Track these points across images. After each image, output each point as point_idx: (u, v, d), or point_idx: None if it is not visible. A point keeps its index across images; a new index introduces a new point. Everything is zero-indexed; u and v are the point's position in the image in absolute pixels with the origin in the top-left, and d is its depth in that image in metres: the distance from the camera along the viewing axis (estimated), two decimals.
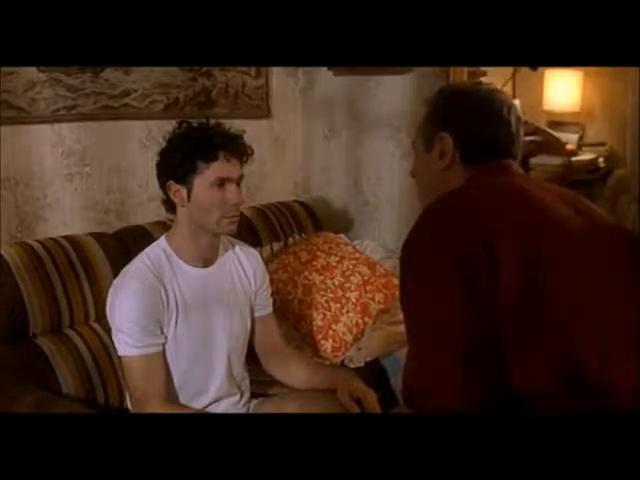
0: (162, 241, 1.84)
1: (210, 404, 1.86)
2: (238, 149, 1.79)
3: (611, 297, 1.21)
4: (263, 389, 2.16)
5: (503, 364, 1.15)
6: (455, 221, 1.22)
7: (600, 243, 1.27)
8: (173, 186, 1.77)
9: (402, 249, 1.25)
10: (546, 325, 1.15)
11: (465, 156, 1.36)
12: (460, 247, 1.18)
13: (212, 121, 1.82)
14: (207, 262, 1.86)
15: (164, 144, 1.81)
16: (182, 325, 1.79)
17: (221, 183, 1.75)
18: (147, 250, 1.83)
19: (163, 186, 1.80)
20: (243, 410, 1.95)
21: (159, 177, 1.81)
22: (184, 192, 1.76)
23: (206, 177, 1.74)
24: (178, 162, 1.75)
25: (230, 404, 1.90)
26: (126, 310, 1.73)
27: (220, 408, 1.88)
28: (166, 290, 1.77)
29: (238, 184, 1.80)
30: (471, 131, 1.37)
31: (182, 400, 1.82)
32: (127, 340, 1.72)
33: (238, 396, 1.93)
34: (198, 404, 1.84)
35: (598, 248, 1.26)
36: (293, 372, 1.99)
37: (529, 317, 1.15)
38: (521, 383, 1.15)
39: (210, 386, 1.86)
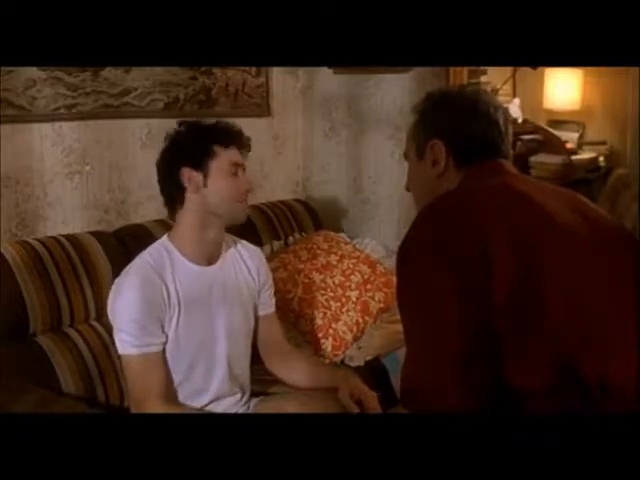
0: (164, 239, 1.85)
1: (210, 402, 1.86)
2: (243, 141, 1.86)
3: (607, 296, 1.21)
4: (263, 388, 2.16)
5: (500, 364, 1.15)
6: (450, 222, 1.23)
7: (596, 241, 1.27)
8: (187, 172, 1.78)
9: (398, 251, 1.26)
10: (542, 325, 1.15)
11: (458, 160, 1.37)
12: (455, 248, 1.18)
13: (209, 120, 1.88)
14: (210, 260, 1.87)
15: (166, 143, 1.83)
16: (184, 323, 1.79)
17: (234, 170, 1.80)
18: (149, 249, 1.83)
19: (171, 177, 1.80)
20: (244, 409, 1.95)
21: (166, 169, 1.82)
22: (200, 178, 1.78)
23: (221, 162, 1.79)
24: (194, 147, 1.79)
25: (230, 403, 1.90)
26: (127, 309, 1.73)
27: (220, 407, 1.88)
28: (168, 288, 1.77)
29: (244, 169, 1.85)
30: (461, 134, 1.37)
31: (182, 398, 1.83)
32: (127, 339, 1.72)
33: (239, 395, 1.93)
34: (198, 402, 1.84)
35: (594, 246, 1.26)
36: (295, 371, 2.00)
37: (525, 317, 1.15)
38: (518, 382, 1.15)
39: (210, 385, 1.86)
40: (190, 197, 1.80)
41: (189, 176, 1.78)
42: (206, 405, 1.86)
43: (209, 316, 1.84)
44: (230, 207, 1.81)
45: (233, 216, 1.84)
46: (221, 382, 1.87)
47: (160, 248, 1.82)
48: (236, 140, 1.83)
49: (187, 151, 1.79)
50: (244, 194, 1.83)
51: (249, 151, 1.89)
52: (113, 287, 1.79)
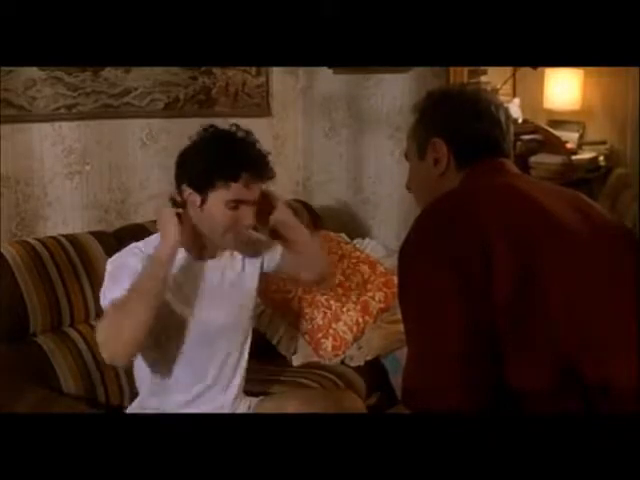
0: None
1: (194, 398, 1.85)
2: (261, 173, 1.75)
3: (608, 296, 1.21)
4: (263, 388, 2.17)
5: (501, 364, 1.15)
6: (450, 223, 1.22)
7: (598, 241, 1.26)
8: (187, 190, 1.74)
9: (400, 251, 1.25)
10: (543, 325, 1.15)
11: (459, 159, 1.35)
12: (456, 248, 1.18)
13: (241, 132, 1.77)
14: (212, 254, 1.86)
15: (178, 157, 1.78)
16: (171, 310, 1.78)
17: (234, 205, 1.73)
18: (139, 243, 1.82)
19: (178, 186, 1.77)
20: (244, 408, 1.95)
21: (176, 177, 1.79)
22: (197, 200, 1.73)
23: (222, 195, 1.71)
24: (197, 172, 1.72)
25: (217, 401, 1.89)
26: (111, 278, 1.72)
27: (207, 403, 1.86)
28: None
29: (254, 204, 1.76)
30: (462, 132, 1.35)
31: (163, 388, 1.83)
32: (110, 287, 1.70)
33: (226, 395, 1.91)
34: (176, 396, 1.84)
35: (596, 246, 1.25)
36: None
37: (526, 317, 1.15)
38: (519, 383, 1.15)
39: (199, 379, 1.85)
40: (189, 210, 1.78)
41: (188, 194, 1.74)
42: (189, 401, 1.84)
43: (206, 308, 1.84)
44: (221, 237, 1.77)
45: (223, 244, 1.82)
46: (211, 377, 1.86)
47: (155, 242, 1.81)
48: (250, 174, 1.71)
49: (191, 173, 1.74)
50: (242, 228, 1.76)
51: (272, 177, 1.78)
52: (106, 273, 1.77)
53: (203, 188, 1.72)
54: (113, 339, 1.63)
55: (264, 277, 2.00)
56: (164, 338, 1.79)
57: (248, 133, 1.78)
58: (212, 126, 1.79)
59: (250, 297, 1.96)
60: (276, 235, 1.89)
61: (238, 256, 1.94)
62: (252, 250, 1.95)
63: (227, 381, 1.90)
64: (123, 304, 1.62)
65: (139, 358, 1.83)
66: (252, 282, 1.95)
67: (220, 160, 1.71)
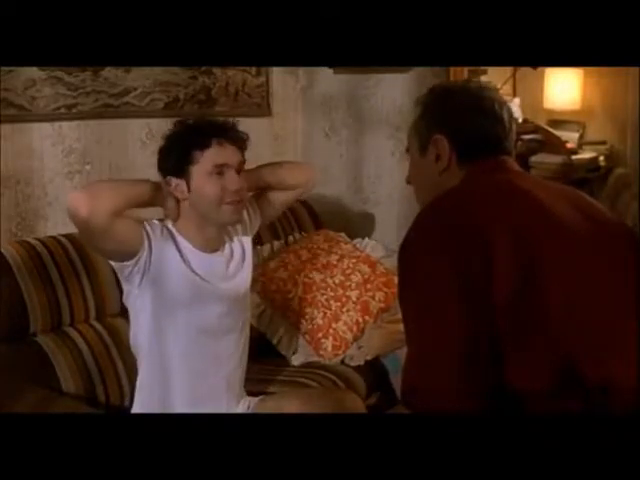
0: (168, 222, 1.84)
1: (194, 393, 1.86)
2: (231, 134, 1.81)
3: (609, 296, 1.21)
4: (263, 388, 2.17)
5: (502, 364, 1.15)
6: (451, 221, 1.22)
7: (599, 241, 1.26)
8: (173, 181, 1.77)
9: (399, 250, 1.25)
10: (543, 325, 1.15)
11: (461, 156, 1.34)
12: (457, 247, 1.17)
13: (206, 120, 1.86)
14: (215, 246, 1.87)
15: (162, 143, 1.83)
16: (186, 307, 1.80)
17: (219, 170, 1.76)
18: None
19: (165, 183, 1.80)
20: (243, 408, 1.94)
21: (159, 173, 1.82)
22: (183, 185, 1.77)
23: (202, 166, 1.75)
24: (174, 157, 1.77)
25: (219, 396, 1.89)
26: None
27: (208, 397, 1.87)
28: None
29: (239, 171, 1.80)
30: (465, 129, 1.35)
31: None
32: None
33: (226, 399, 1.92)
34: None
35: (597, 246, 1.25)
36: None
37: (526, 316, 1.15)
38: (519, 383, 1.15)
39: (198, 373, 1.85)
40: (182, 203, 1.81)
41: (174, 185, 1.77)
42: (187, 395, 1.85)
43: (206, 301, 1.84)
44: (218, 210, 1.78)
45: (223, 219, 1.82)
46: (198, 372, 1.86)
47: (160, 225, 1.81)
48: (220, 137, 1.77)
49: (168, 161, 1.79)
50: (233, 194, 1.77)
51: (247, 139, 1.84)
52: None
53: (184, 168, 1.76)
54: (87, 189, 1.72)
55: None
56: (167, 331, 1.80)
57: (212, 117, 1.88)
58: (180, 120, 1.85)
59: (249, 280, 1.97)
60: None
61: (236, 242, 1.93)
62: (242, 226, 1.96)
63: (227, 376, 1.91)
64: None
65: (141, 354, 1.84)
66: (249, 263, 1.96)
67: (190, 135, 1.78)
